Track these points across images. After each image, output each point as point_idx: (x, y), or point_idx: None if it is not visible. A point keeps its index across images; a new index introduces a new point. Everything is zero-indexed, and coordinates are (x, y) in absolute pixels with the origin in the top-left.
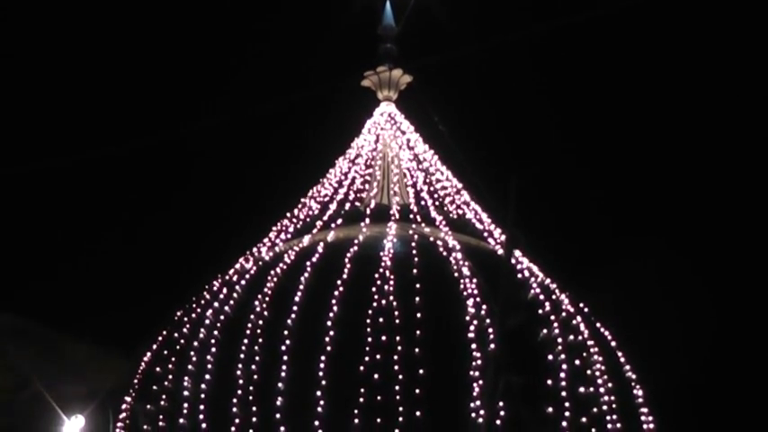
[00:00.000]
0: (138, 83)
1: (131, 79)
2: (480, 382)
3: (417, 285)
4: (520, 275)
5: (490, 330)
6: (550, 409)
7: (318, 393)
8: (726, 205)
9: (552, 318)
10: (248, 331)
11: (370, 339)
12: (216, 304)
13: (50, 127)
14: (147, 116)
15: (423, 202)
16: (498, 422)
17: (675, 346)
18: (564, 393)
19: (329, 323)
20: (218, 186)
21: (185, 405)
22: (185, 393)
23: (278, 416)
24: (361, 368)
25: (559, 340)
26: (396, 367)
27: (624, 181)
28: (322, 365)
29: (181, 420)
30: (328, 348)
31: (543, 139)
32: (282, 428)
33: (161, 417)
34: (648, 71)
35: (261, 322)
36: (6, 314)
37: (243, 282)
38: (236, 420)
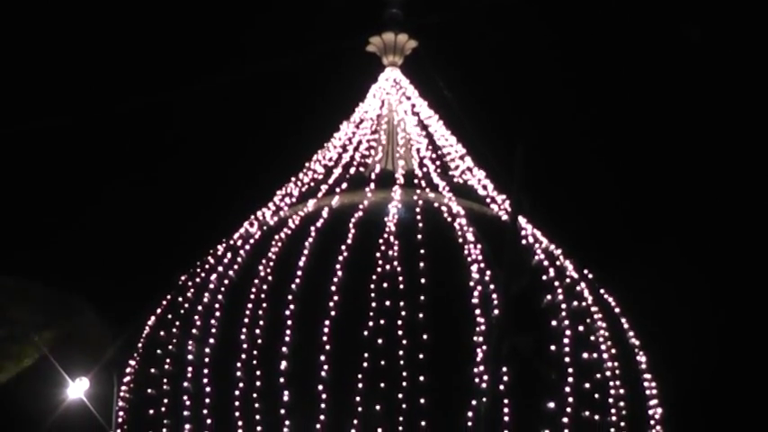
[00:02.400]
0: (145, 42)
1: (138, 38)
2: (484, 347)
3: (421, 251)
4: (524, 241)
5: (494, 296)
6: (553, 375)
7: (322, 358)
8: (729, 176)
9: (556, 284)
10: (252, 296)
11: (373, 304)
12: (220, 269)
13: (56, 86)
14: (154, 77)
15: (427, 168)
16: (501, 387)
17: (678, 312)
18: (567, 359)
19: (333, 288)
20: (222, 150)
21: (189, 369)
22: (189, 357)
23: (282, 380)
24: (365, 333)
25: (563, 306)
26: (399, 332)
27: (632, 148)
28: (326, 330)
29: (185, 384)
30: (332, 313)
31: (551, 105)
32: (286, 392)
33: (165, 380)
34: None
35: (265, 287)
36: (10, 278)
37: (247, 246)
38: (240, 384)
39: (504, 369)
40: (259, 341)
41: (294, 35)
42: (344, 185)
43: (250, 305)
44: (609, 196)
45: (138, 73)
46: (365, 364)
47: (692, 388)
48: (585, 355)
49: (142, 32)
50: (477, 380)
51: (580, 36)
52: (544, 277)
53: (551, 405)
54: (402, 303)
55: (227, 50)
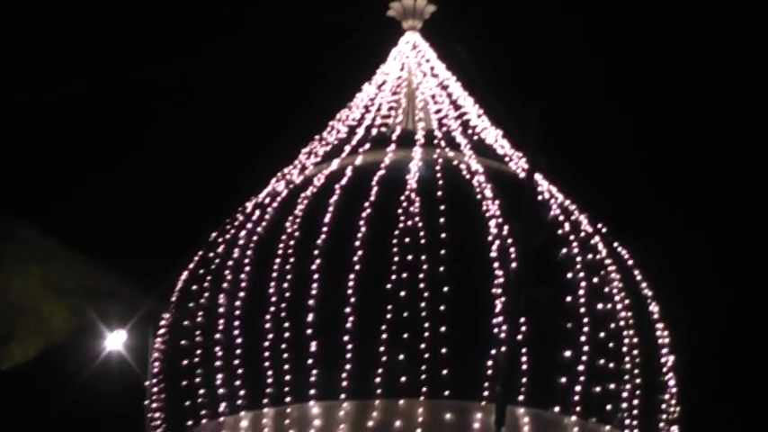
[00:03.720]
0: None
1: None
2: (502, 298)
3: (441, 207)
4: (540, 197)
5: (512, 250)
6: (569, 325)
7: (347, 310)
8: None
9: (571, 237)
10: (280, 251)
11: (396, 258)
12: (249, 226)
13: (83, 50)
14: (188, 39)
15: (446, 127)
16: (519, 337)
17: (688, 262)
18: (582, 309)
19: (357, 243)
20: (250, 112)
21: (221, 321)
22: (221, 310)
23: (309, 331)
24: (388, 286)
25: (578, 259)
26: (421, 285)
27: (647, 104)
28: (351, 283)
29: (217, 336)
30: (356, 267)
31: (569, 62)
32: (313, 343)
33: (198, 332)
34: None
35: (292, 243)
36: (50, 240)
37: (274, 204)
38: (269, 336)
39: (522, 319)
40: (287, 294)
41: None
42: (367, 145)
43: (278, 260)
44: (622, 151)
45: (175, 33)
46: (389, 316)
47: (703, 335)
48: (600, 306)
49: None
50: (496, 330)
51: None
52: (560, 231)
53: (567, 353)
54: (423, 257)
55: (255, 13)
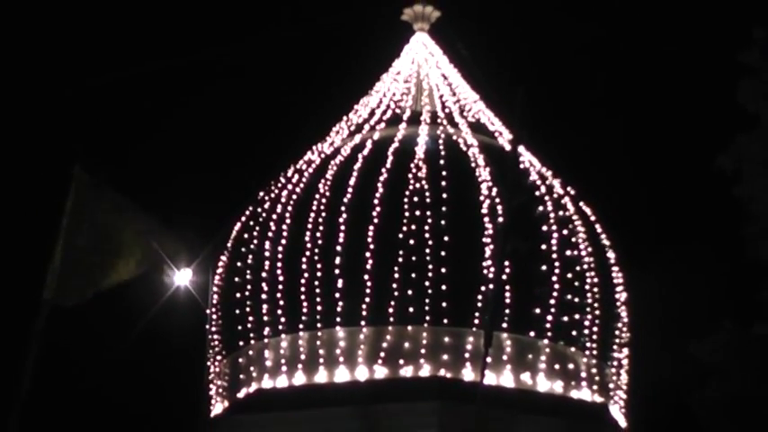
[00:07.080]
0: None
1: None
2: (491, 246)
3: (443, 173)
4: (522, 165)
5: (499, 207)
6: (544, 267)
7: (368, 254)
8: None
9: (546, 198)
10: (314, 207)
11: (407, 213)
12: (289, 186)
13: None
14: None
15: (448, 109)
16: (504, 277)
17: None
18: (554, 255)
19: (376, 201)
20: (291, 97)
21: (266, 263)
22: (266, 254)
23: (337, 271)
24: (400, 236)
25: (551, 215)
26: (427, 235)
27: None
28: (370, 233)
29: (263, 274)
30: (375, 220)
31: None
32: (340, 281)
33: (248, 271)
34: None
35: (324, 200)
36: (126, 196)
37: (310, 170)
38: (305, 274)
39: (506, 263)
40: (319, 242)
41: (346, 4)
42: (383, 123)
43: (312, 214)
44: (590, 126)
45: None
46: (400, 260)
47: (652, 277)
48: (569, 252)
49: None
50: (485, 271)
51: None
52: (537, 193)
53: (542, 290)
54: (429, 213)
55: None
